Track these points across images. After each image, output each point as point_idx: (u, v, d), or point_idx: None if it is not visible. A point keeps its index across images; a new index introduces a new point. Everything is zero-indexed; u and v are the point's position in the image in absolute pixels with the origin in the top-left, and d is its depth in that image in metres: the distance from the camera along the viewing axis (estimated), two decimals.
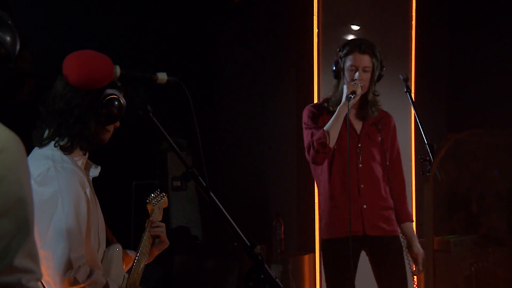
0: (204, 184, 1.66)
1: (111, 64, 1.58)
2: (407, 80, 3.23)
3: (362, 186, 3.24)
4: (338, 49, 3.29)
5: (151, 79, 1.66)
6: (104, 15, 4.88)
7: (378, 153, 3.29)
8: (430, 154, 2.98)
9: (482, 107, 5.23)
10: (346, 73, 3.21)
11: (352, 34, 4.88)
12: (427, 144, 2.98)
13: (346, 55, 3.21)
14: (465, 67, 5.43)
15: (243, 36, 5.43)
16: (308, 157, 3.25)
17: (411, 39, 5.05)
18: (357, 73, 3.18)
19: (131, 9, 5.01)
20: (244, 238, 1.65)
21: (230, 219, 1.66)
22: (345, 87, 3.14)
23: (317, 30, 4.76)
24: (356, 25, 4.90)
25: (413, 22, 5.04)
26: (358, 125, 3.30)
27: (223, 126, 5.60)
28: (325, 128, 3.16)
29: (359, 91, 3.12)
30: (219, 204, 1.65)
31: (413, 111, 3.28)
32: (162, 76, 1.67)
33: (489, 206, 5.07)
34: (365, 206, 3.24)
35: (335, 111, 3.19)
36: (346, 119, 3.16)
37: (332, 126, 3.14)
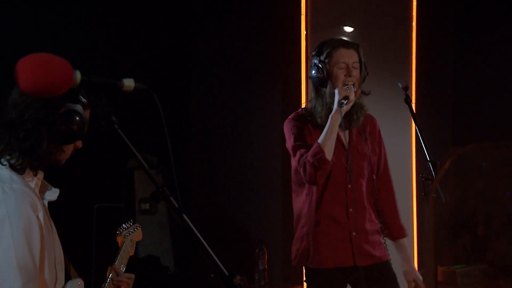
0: (177, 205, 1.66)
1: (70, 69, 1.58)
2: (406, 88, 3.25)
3: (351, 210, 3.23)
4: (314, 53, 3.26)
5: (116, 86, 1.65)
6: (62, 13, 4.87)
7: (366, 168, 3.30)
8: (433, 173, 2.99)
9: (490, 118, 5.28)
10: (336, 73, 3.18)
11: (345, 36, 4.92)
12: (429, 161, 3.00)
13: (330, 54, 3.19)
14: (472, 73, 5.48)
15: (221, 38, 5.45)
16: (304, 177, 3.19)
17: (412, 42, 5.10)
18: (348, 69, 3.18)
19: (93, 5, 5.01)
20: (222, 267, 1.64)
21: (206, 245, 1.66)
22: (336, 91, 3.12)
23: (305, 32, 4.79)
24: (350, 26, 4.94)
25: (414, 24, 5.10)
26: (344, 137, 3.26)
27: (199, 140, 5.59)
28: (319, 141, 3.14)
29: (352, 96, 3.11)
30: (194, 229, 1.65)
31: (413, 124, 3.30)
32: (129, 83, 1.66)
33: (497, 229, 5.10)
34: (354, 233, 3.23)
35: (322, 124, 3.19)
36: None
37: (327, 138, 3.11)
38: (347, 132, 3.27)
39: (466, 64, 5.53)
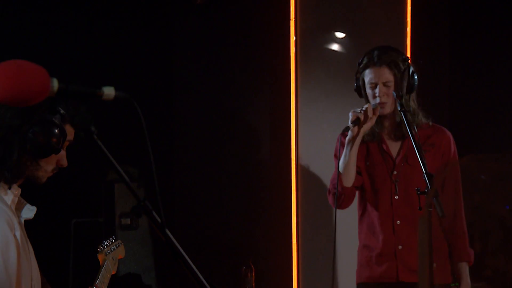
0: (159, 220, 1.66)
1: (47, 77, 1.57)
2: (401, 97, 3.27)
3: (398, 222, 3.26)
4: (358, 63, 3.36)
5: (95, 95, 1.65)
6: (38, 18, 4.86)
7: (423, 181, 3.29)
8: (429, 186, 3.00)
9: (489, 128, 5.30)
10: (367, 91, 3.29)
11: (336, 42, 4.95)
12: (425, 173, 3.01)
13: (363, 69, 3.29)
14: (469, 81, 5.51)
15: (207, 43, 5.45)
16: (330, 202, 3.34)
17: (406, 49, 5.12)
18: (377, 89, 3.23)
19: (71, 10, 5.00)
20: (207, 286, 1.64)
21: (190, 263, 1.65)
22: (350, 114, 3.18)
23: (294, 38, 4.81)
24: (341, 32, 4.96)
25: (408, 29, 5.12)
26: (394, 148, 3.35)
27: (183, 151, 5.58)
28: (339, 166, 3.21)
29: (368, 116, 3.15)
30: (177, 245, 1.65)
31: (408, 133, 3.31)
32: (109, 91, 1.66)
33: (495, 246, 5.12)
34: (400, 247, 3.25)
35: (369, 141, 3.28)
36: (381, 141, 3.28)
37: (344, 163, 3.20)
38: (399, 143, 3.33)
39: (462, 71, 5.55)
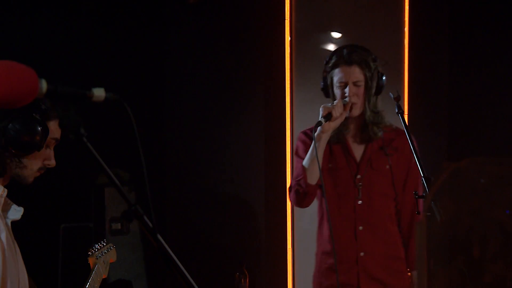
0: (151, 225, 1.66)
1: (35, 78, 1.57)
2: (398, 99, 3.27)
3: (361, 228, 3.23)
4: (325, 61, 3.31)
5: (85, 96, 1.65)
6: (26, 18, 4.86)
7: (387, 186, 3.27)
8: (427, 189, 3.01)
9: (489, 131, 5.31)
10: (335, 91, 3.23)
11: (332, 42, 4.95)
12: (423, 177, 3.01)
13: (332, 68, 3.23)
14: (469, 82, 5.52)
15: (201, 44, 5.46)
16: (290, 200, 3.29)
17: (404, 49, 5.13)
18: (347, 88, 3.19)
19: (60, 10, 5.00)
20: None
21: (182, 269, 1.65)
22: (321, 108, 3.13)
23: (289, 38, 4.81)
24: (337, 32, 4.97)
25: (406, 29, 5.14)
26: (358, 151, 3.30)
27: (175, 154, 5.58)
28: (303, 163, 3.17)
29: (337, 113, 3.11)
30: (169, 251, 1.65)
31: (406, 135, 3.32)
32: (99, 93, 1.66)
33: (494, 251, 5.13)
34: (362, 254, 3.23)
35: (333, 142, 3.25)
36: (347, 144, 3.24)
37: (310, 160, 3.14)
38: (362, 146, 3.29)
39: (462, 72, 5.56)
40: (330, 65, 3.24)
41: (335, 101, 3.15)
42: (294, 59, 4.82)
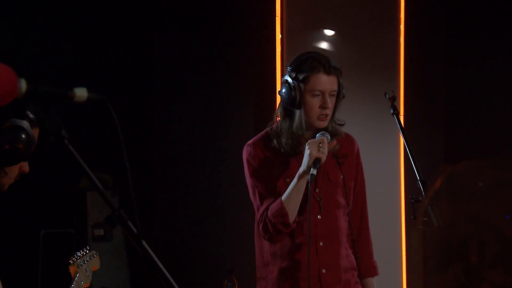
0: (135, 231, 1.66)
1: (14, 77, 1.58)
2: (394, 99, 3.29)
3: (321, 244, 3.21)
4: (290, 68, 3.19)
5: (66, 97, 1.65)
6: (5, 15, 4.85)
7: (341, 196, 3.24)
8: (423, 193, 3.02)
9: (487, 132, 5.32)
10: (310, 102, 3.11)
11: (325, 40, 4.96)
12: (419, 180, 3.03)
13: (307, 78, 3.10)
14: (466, 82, 5.53)
15: (187, 42, 5.46)
16: (263, 234, 3.22)
17: (400, 47, 5.15)
18: (325, 99, 3.12)
19: (42, 7, 4.99)
20: None
21: (168, 277, 1.66)
22: (307, 148, 3.03)
23: (280, 36, 4.82)
24: (330, 29, 4.98)
25: (402, 27, 5.16)
26: None
27: (161, 158, 5.58)
28: (283, 199, 3.09)
29: (325, 158, 3.03)
30: (155, 258, 1.65)
31: (402, 138, 3.34)
32: (81, 93, 1.66)
33: (492, 257, 5.14)
34: (324, 271, 3.22)
35: (286, 151, 3.17)
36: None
37: (292, 199, 3.07)
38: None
39: (459, 72, 5.58)
40: (305, 72, 3.11)
41: (317, 136, 3.07)
42: (285, 57, 4.82)
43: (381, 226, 4.78)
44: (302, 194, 3.08)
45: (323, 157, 3.01)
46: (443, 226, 2.94)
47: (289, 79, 3.15)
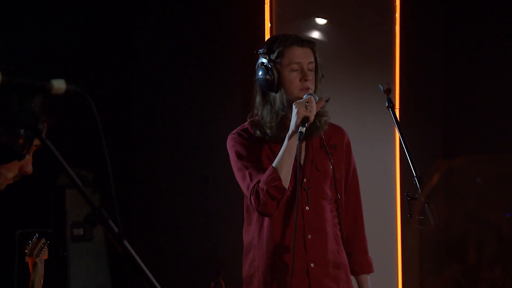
0: (117, 230, 1.66)
1: None
2: (389, 91, 3.29)
3: (309, 236, 3.22)
4: (262, 51, 3.20)
5: (43, 88, 1.65)
6: None
7: (330, 188, 3.27)
8: (420, 191, 3.03)
9: (486, 126, 5.34)
10: (289, 77, 3.12)
11: (316, 29, 4.97)
12: (416, 177, 3.03)
13: (282, 53, 3.12)
14: (465, 73, 5.55)
15: (170, 32, 5.45)
16: (256, 207, 3.17)
17: (395, 36, 5.16)
18: (304, 72, 3.13)
19: None
20: None
21: (152, 278, 1.66)
22: (294, 109, 3.04)
23: (269, 25, 4.82)
24: (322, 18, 4.98)
25: (397, 14, 5.16)
26: (300, 150, 3.18)
27: (144, 153, 5.57)
28: (274, 165, 3.08)
29: (313, 116, 3.04)
30: (137, 258, 1.65)
31: (397, 133, 3.34)
32: (59, 84, 1.66)
33: (491, 257, 5.17)
34: (312, 265, 3.22)
35: (273, 138, 3.17)
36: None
37: (284, 161, 3.06)
38: (303, 144, 3.23)
39: (457, 63, 5.59)
40: (278, 49, 3.12)
41: (304, 101, 3.04)
42: None
43: (376, 224, 4.79)
44: (294, 155, 3.08)
45: (311, 116, 3.02)
46: (440, 225, 2.95)
47: (264, 61, 3.16)
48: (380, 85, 3.29)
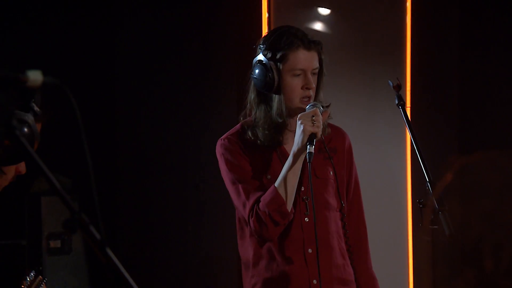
0: (98, 236, 1.66)
1: None
2: (399, 88, 3.29)
3: (310, 251, 3.22)
4: (262, 46, 3.18)
5: (18, 81, 1.65)
6: None
7: (332, 195, 3.25)
8: (433, 197, 3.02)
9: (506, 124, 5.35)
10: (291, 83, 3.12)
11: (319, 20, 4.97)
12: (428, 182, 3.03)
13: (285, 56, 3.10)
14: (482, 67, 5.55)
15: (161, 23, 5.45)
16: (258, 230, 3.15)
17: (406, 28, 5.17)
18: (307, 78, 3.13)
19: None
20: None
21: None
22: (299, 126, 3.03)
23: (267, 15, 4.83)
24: (325, 7, 4.99)
25: (408, 3, 5.17)
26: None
27: (130, 154, 5.57)
28: (277, 185, 3.08)
29: (320, 132, 3.04)
30: (121, 268, 1.66)
31: (408, 133, 3.35)
32: (35, 76, 1.65)
33: (509, 263, 5.18)
34: (315, 282, 3.21)
35: (265, 142, 3.16)
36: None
37: (288, 183, 3.06)
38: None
39: (473, 56, 5.59)
40: (282, 50, 3.09)
41: (307, 108, 3.05)
42: None
43: (385, 234, 4.81)
44: (299, 176, 3.08)
45: (319, 131, 3.02)
46: (455, 234, 2.95)
47: (264, 59, 3.14)
48: (389, 81, 3.30)
